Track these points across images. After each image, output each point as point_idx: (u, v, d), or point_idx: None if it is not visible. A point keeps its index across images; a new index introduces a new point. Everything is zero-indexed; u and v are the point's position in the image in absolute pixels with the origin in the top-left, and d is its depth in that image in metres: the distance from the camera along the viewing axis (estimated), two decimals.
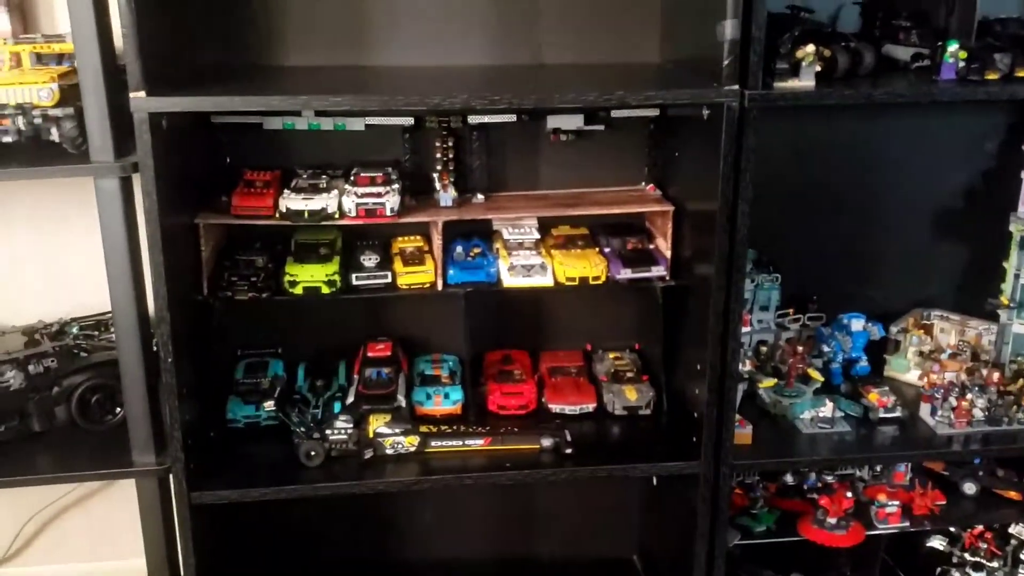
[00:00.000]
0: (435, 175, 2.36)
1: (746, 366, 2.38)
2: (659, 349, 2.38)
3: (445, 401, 2.34)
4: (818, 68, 2.01)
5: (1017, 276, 2.43)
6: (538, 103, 2.05)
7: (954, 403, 2.30)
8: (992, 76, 2.04)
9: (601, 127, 2.39)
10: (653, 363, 2.46)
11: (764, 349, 2.49)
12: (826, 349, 2.50)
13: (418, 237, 2.37)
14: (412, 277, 2.23)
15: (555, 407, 2.37)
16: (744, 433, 2.22)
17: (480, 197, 2.38)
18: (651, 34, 2.38)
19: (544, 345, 2.62)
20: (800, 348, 2.45)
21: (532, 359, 2.56)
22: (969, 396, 2.30)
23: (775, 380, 2.39)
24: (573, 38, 2.38)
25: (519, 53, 2.38)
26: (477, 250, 2.31)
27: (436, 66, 2.33)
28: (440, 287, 2.24)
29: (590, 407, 2.38)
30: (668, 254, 2.30)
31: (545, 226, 2.40)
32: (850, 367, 2.52)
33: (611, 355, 2.54)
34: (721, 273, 2.04)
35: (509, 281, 2.25)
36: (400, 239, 2.36)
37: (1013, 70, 2.05)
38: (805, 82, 2.00)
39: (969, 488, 2.57)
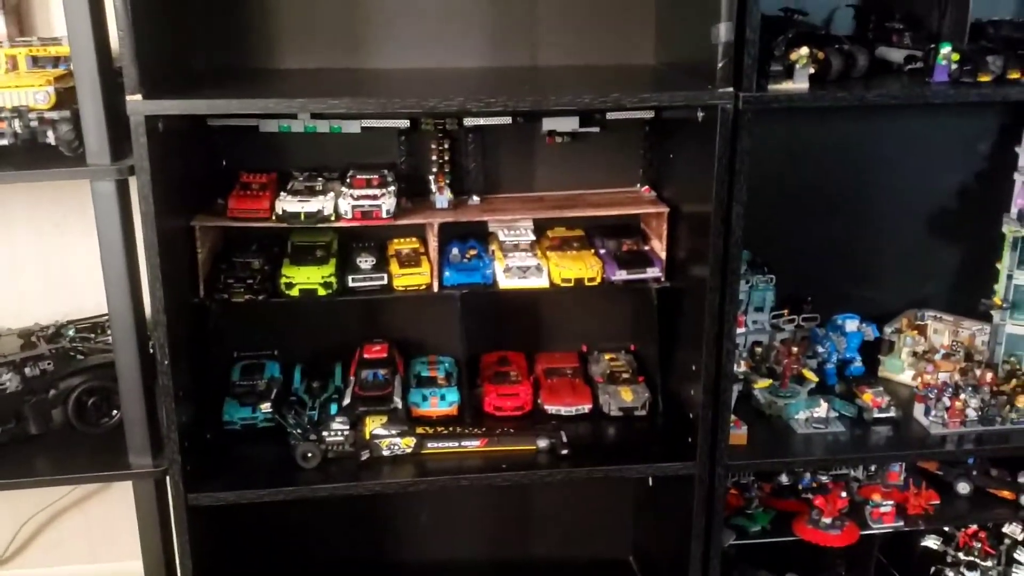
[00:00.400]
0: (431, 177, 2.36)
1: (741, 367, 2.39)
2: (654, 350, 2.39)
3: (441, 403, 2.35)
4: (812, 70, 2.02)
5: (1010, 277, 2.44)
6: (533, 105, 2.07)
7: (947, 403, 2.31)
8: (984, 78, 2.05)
9: (596, 129, 2.39)
10: (649, 364, 2.47)
11: (759, 350, 2.50)
12: (820, 350, 2.51)
13: (414, 239, 2.38)
14: (408, 279, 2.23)
15: (551, 408, 2.38)
16: (739, 434, 2.23)
17: (476, 199, 2.39)
18: (646, 36, 2.39)
19: (540, 346, 2.62)
20: (795, 349, 2.46)
21: (528, 360, 2.57)
22: (962, 396, 2.31)
23: (770, 381, 2.40)
24: (569, 40, 2.39)
25: (515, 55, 2.39)
26: (473, 252, 2.32)
27: (432, 68, 2.34)
28: (436, 289, 2.25)
29: (586, 408, 2.38)
30: (663, 255, 2.31)
31: (541, 228, 2.40)
32: (844, 368, 2.54)
33: (607, 356, 2.55)
34: (716, 275, 2.05)
35: (505, 283, 2.26)
36: (396, 241, 2.37)
37: (1005, 72, 2.06)
38: (799, 84, 2.01)
39: (963, 488, 2.58)
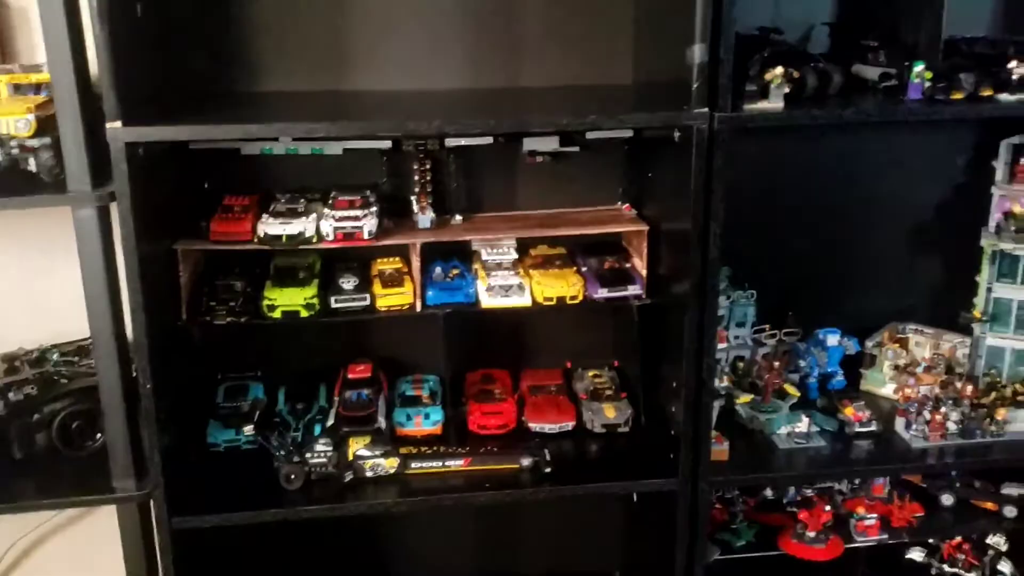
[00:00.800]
0: (413, 197, 2.37)
1: (723, 382, 2.40)
2: (637, 367, 2.41)
3: (425, 422, 2.35)
4: (787, 89, 2.04)
5: (989, 290, 2.46)
6: (511, 127, 2.07)
7: (928, 417, 2.32)
8: (957, 96, 2.07)
9: (576, 148, 2.41)
10: (631, 380, 2.48)
11: (741, 365, 2.51)
12: (802, 364, 2.53)
13: (397, 259, 2.39)
14: (391, 299, 2.24)
15: (535, 426, 2.39)
16: (721, 449, 2.24)
17: (458, 218, 2.41)
18: (625, 56, 2.40)
19: (525, 363, 2.63)
20: (776, 364, 2.47)
21: (513, 378, 2.58)
22: (943, 410, 2.33)
23: (752, 396, 2.41)
24: (549, 61, 2.41)
25: (496, 76, 2.41)
26: (456, 271, 2.33)
27: (414, 90, 2.36)
28: (419, 308, 2.26)
29: (569, 425, 2.39)
30: (644, 273, 2.33)
31: (523, 246, 2.42)
32: (826, 382, 2.55)
33: (590, 373, 2.56)
34: (694, 291, 2.07)
35: (487, 302, 2.27)
36: (379, 261, 2.38)
37: (978, 89, 2.08)
38: (774, 103, 2.03)
39: (947, 500, 2.60)
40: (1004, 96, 2.08)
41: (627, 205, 2.48)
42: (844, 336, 2.54)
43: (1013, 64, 2.06)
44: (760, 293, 2.52)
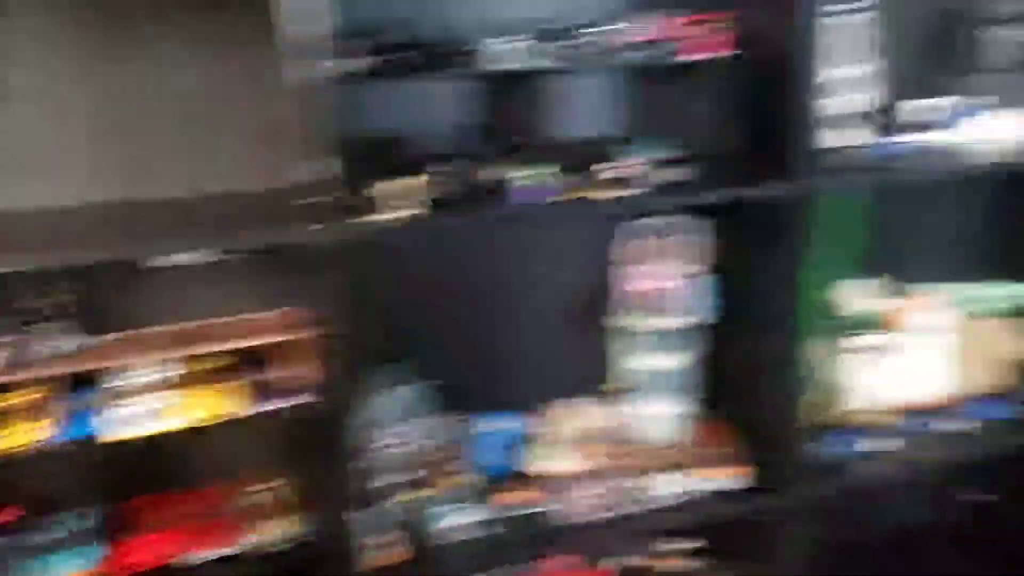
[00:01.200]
0: (44, 323, 2.20)
1: (396, 479, 2.40)
2: (305, 478, 2.36)
3: (72, 566, 2.16)
4: (417, 197, 2.10)
5: (624, 364, 2.65)
6: (105, 256, 1.98)
7: (588, 490, 2.44)
8: (571, 196, 2.22)
9: (227, 257, 2.35)
10: (301, 493, 2.42)
11: (413, 460, 2.52)
12: (473, 451, 2.56)
13: (33, 389, 2.19)
14: (15, 438, 2.05)
15: (199, 554, 2.27)
16: (388, 555, 2.23)
17: (102, 339, 2.26)
18: (269, 163, 2.35)
19: (193, 483, 2.50)
20: (448, 454, 2.51)
21: (177, 502, 2.43)
22: (601, 481, 2.45)
23: (423, 490, 2.43)
24: (188, 169, 2.33)
25: (126, 187, 2.30)
26: (95, 399, 2.18)
27: (29, 210, 2.20)
28: (54, 444, 2.07)
29: (236, 549, 2.29)
30: (309, 380, 2.29)
31: (180, 360, 2.31)
32: (496, 466, 2.58)
33: (259, 488, 2.47)
34: (345, 396, 2.08)
35: (130, 430, 2.12)
36: (9, 395, 2.17)
37: (581, 189, 2.22)
38: (400, 213, 2.08)
39: (633, 562, 2.74)
40: (606, 194, 2.24)
41: (292, 311, 2.44)
42: (511, 417, 2.63)
43: (602, 166, 2.23)
44: (442, 383, 2.56)
